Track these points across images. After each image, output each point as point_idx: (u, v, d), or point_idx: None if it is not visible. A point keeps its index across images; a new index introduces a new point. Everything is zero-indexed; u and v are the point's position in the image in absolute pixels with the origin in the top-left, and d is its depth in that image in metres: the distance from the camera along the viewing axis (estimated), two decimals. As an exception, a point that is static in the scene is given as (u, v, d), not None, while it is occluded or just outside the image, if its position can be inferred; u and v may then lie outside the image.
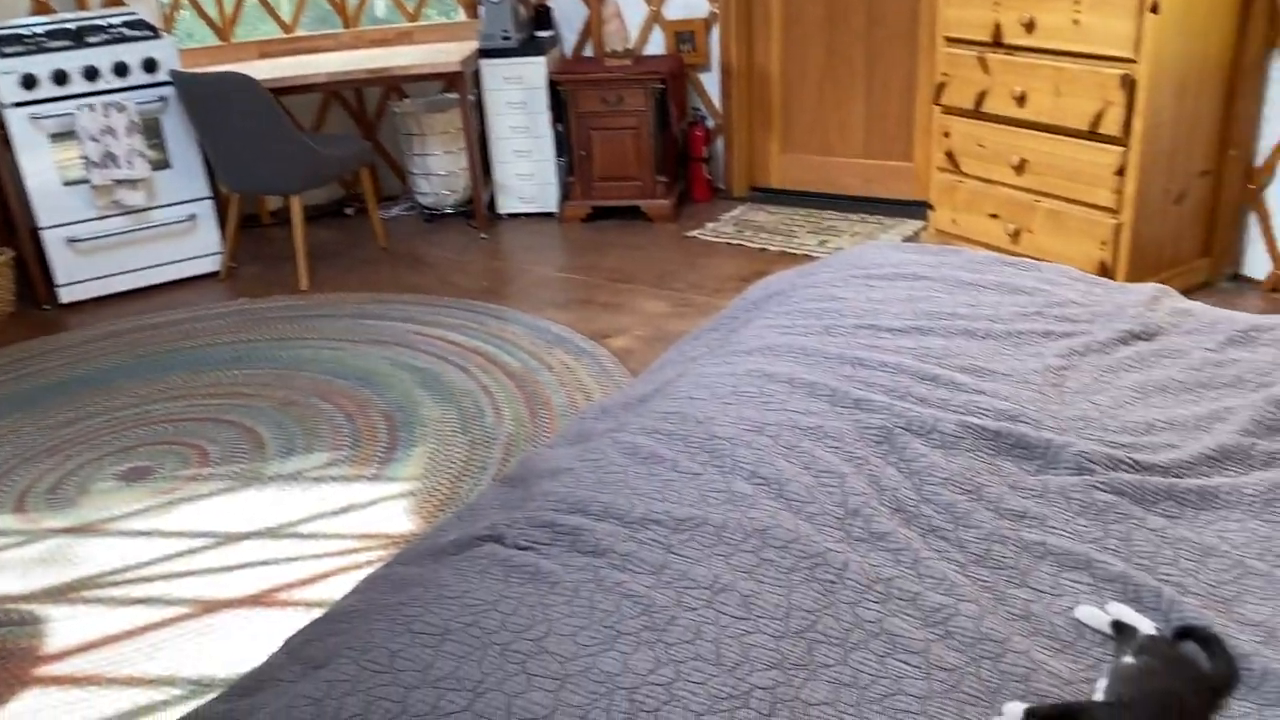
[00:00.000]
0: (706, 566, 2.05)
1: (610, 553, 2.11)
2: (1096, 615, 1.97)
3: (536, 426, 4.61)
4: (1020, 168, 5.40)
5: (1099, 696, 1.76)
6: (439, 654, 1.88)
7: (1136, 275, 5.00)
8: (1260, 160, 5.24)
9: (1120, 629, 1.93)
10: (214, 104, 6.08)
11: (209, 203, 6.70)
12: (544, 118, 7.33)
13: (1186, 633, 1.92)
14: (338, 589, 3.52)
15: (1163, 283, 3.72)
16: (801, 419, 2.54)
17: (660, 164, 7.21)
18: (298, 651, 2.06)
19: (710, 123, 7.67)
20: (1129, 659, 1.85)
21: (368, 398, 4.78)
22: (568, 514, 2.27)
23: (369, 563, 3.71)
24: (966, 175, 5.75)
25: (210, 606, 3.60)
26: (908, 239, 6.59)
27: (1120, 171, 4.95)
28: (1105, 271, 5.06)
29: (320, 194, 7.68)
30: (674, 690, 1.76)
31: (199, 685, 3.19)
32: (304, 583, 3.67)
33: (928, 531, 2.20)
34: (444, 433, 4.60)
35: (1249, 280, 5.44)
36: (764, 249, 6.69)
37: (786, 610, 1.95)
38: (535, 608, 1.97)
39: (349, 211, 7.59)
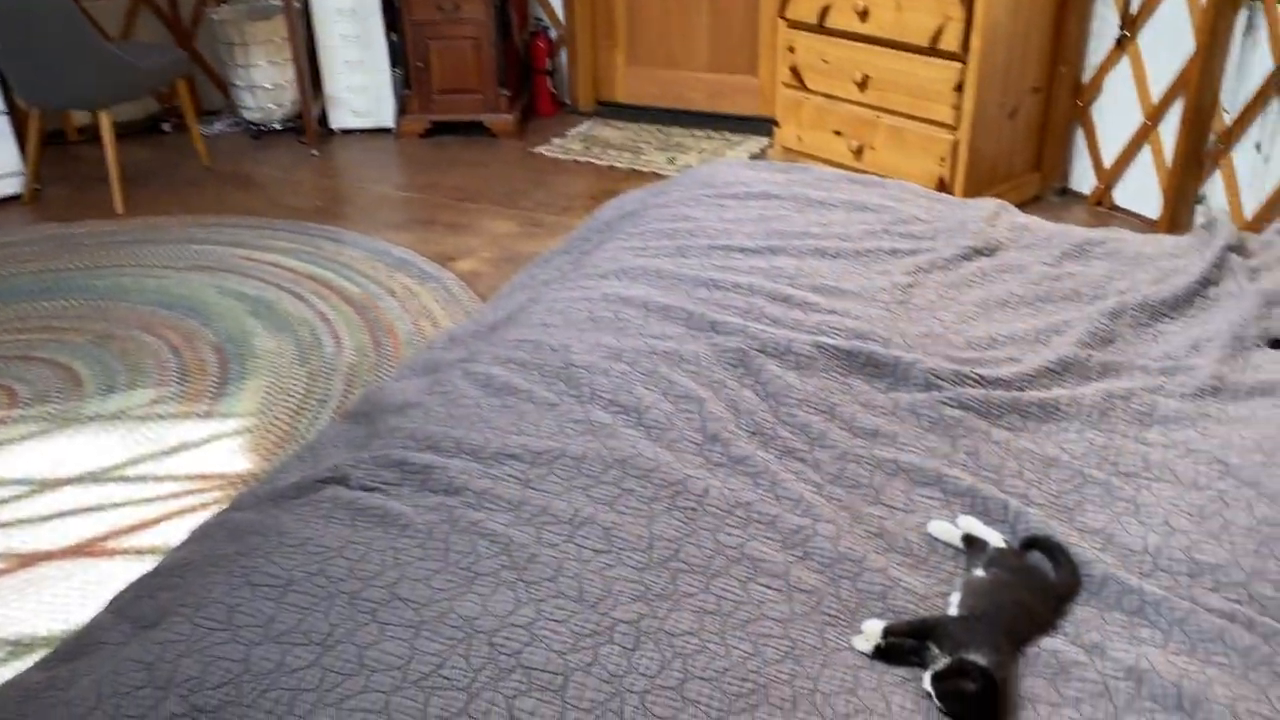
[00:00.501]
0: (566, 500, 1.99)
1: (465, 491, 2.02)
2: (948, 530, 2.02)
3: (380, 356, 4.42)
4: (863, 84, 5.44)
5: (953, 610, 1.80)
6: (282, 607, 1.76)
7: (972, 190, 5.15)
8: (1087, 77, 5.44)
9: (970, 542, 1.98)
10: (4, 7, 5.47)
11: (4, 118, 6.07)
12: (377, 26, 6.92)
13: (1032, 543, 1.99)
14: (170, 536, 3.31)
15: (997, 197, 3.82)
16: (658, 344, 2.49)
17: (502, 76, 6.94)
18: (126, 609, 1.90)
19: (553, 33, 7.43)
20: (980, 572, 1.90)
21: (195, 329, 4.47)
22: (417, 451, 2.16)
23: (203, 506, 3.50)
24: (811, 91, 5.76)
25: (27, 560, 3.33)
26: (754, 156, 6.60)
27: (959, 87, 5.04)
28: (943, 187, 5.19)
29: (133, 109, 7.07)
30: (536, 630, 1.70)
31: (17, 647, 2.96)
32: (132, 530, 3.44)
33: (785, 453, 2.20)
34: (280, 365, 4.36)
35: (1076, 194, 5.68)
36: (612, 166, 6.57)
37: (649, 541, 1.91)
38: (385, 552, 1.87)
39: (166, 128, 7.06)
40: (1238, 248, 3.01)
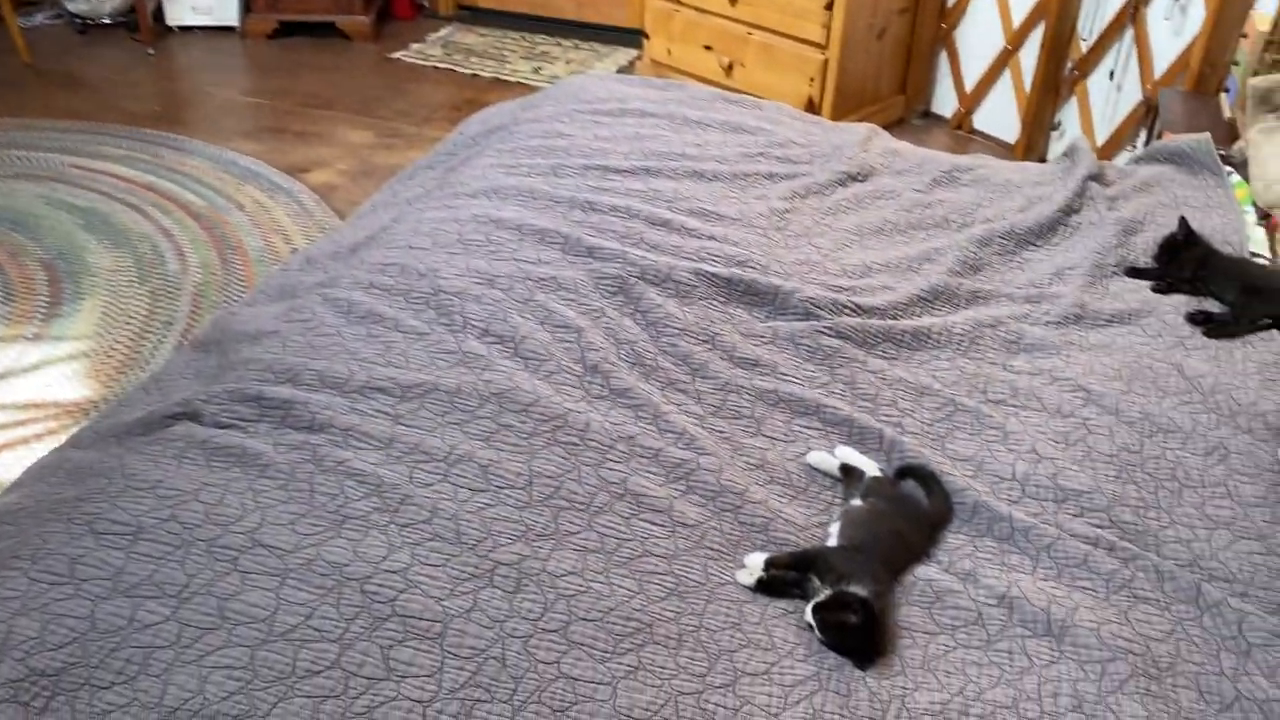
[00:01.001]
0: (440, 437, 1.90)
1: (329, 428, 1.90)
2: (826, 460, 2.02)
3: (229, 275, 4.16)
4: (735, -1, 5.34)
5: (833, 541, 1.81)
6: (131, 557, 1.63)
7: (841, 112, 5.16)
8: (952, 0, 5.47)
9: (848, 472, 1.99)
10: None
11: None
12: (217, -88, 6.39)
13: (906, 471, 2.01)
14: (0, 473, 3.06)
15: (863, 119, 3.84)
16: (534, 269, 2.39)
17: (357, -25, 6.54)
18: (-51, 563, 1.73)
19: (411, -69, 7.02)
20: (857, 501, 1.92)
21: (20, 244, 4.13)
22: (276, 384, 2.02)
23: (36, 438, 3.25)
24: (682, 4, 5.63)
25: None
26: (622, 69, 6.44)
27: (829, 5, 5.00)
28: (812, 107, 5.18)
29: (-65, -7, 6.36)
30: (411, 576, 1.62)
31: None
32: (-45, 465, 3.17)
33: (666, 385, 2.15)
34: (118, 283, 4.05)
35: (938, 118, 5.77)
36: (475, 75, 6.31)
37: (529, 478, 1.84)
38: (244, 495, 1.75)
39: (-24, 17, 6.32)
40: (1097, 176, 3.09)
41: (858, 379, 2.23)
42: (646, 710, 1.51)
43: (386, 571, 1.62)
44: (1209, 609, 1.73)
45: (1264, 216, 2.86)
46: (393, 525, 1.71)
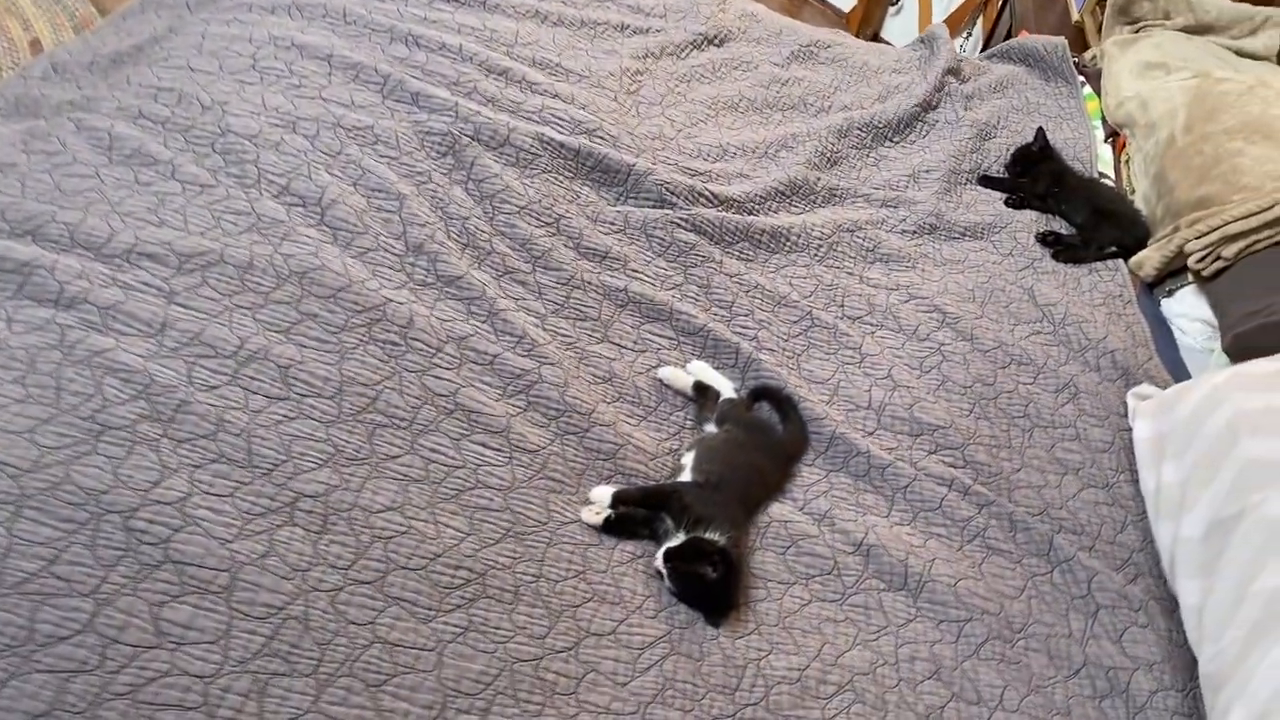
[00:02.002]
0: (228, 325, 1.55)
1: (82, 304, 1.51)
2: (679, 376, 1.82)
3: (-50, 59, 3.40)
4: None
5: (687, 474, 1.62)
6: None
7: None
8: None
9: (702, 391, 1.80)
10: None
11: None
12: None
13: (763, 394, 1.85)
14: None
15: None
16: (346, 115, 1.99)
17: None
18: None
19: None
20: (711, 428, 1.74)
21: None
22: (11, 238, 1.58)
23: None
24: None
25: None
26: None
27: None
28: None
29: None
30: (189, 510, 1.31)
31: None
32: None
33: (503, 274, 1.87)
34: None
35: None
36: None
37: (339, 385, 1.54)
38: (-35, 392, 1.36)
39: None
40: (955, 70, 2.95)
41: (713, 282, 2.02)
42: (477, 682, 1.30)
43: (158, 503, 1.30)
44: (1060, 564, 1.68)
45: (1112, 134, 2.82)
46: (165, 441, 1.37)
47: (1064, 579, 1.66)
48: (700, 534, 1.49)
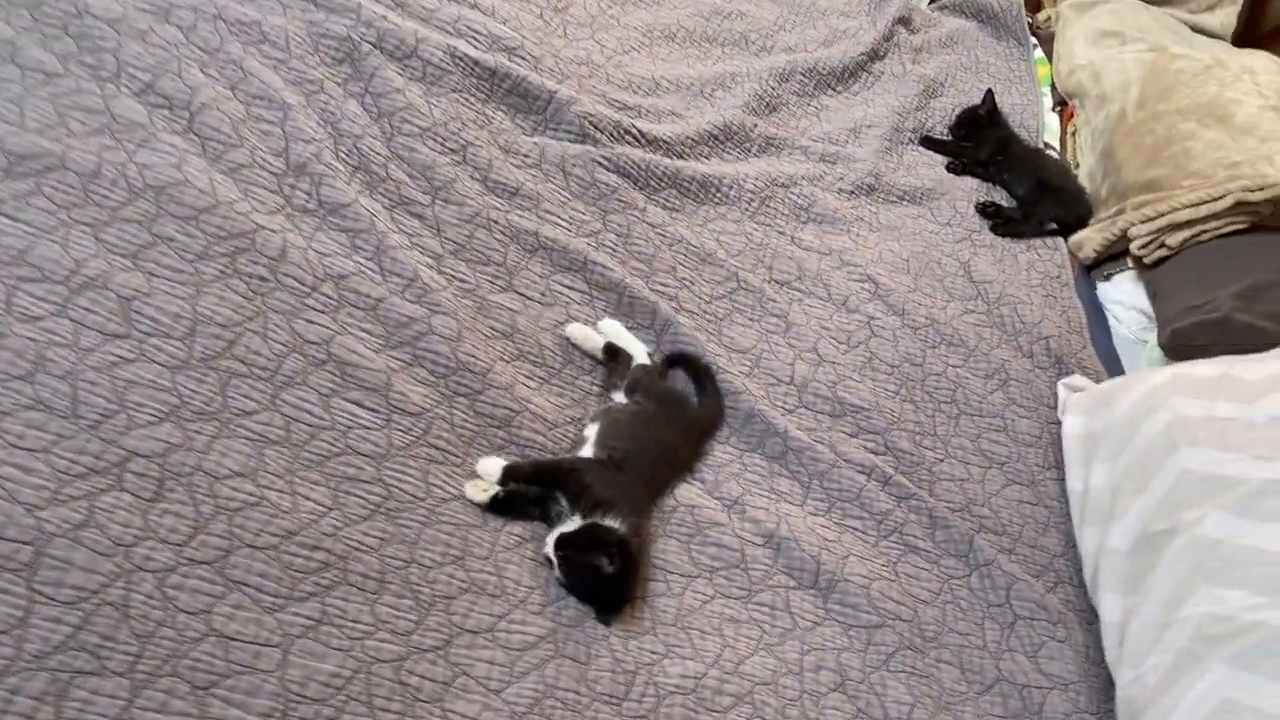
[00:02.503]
0: (61, 243, 1.31)
1: (-121, 206, 1.26)
2: (589, 336, 1.65)
3: None
4: None
5: (589, 448, 1.46)
6: None
7: None
8: None
9: (613, 354, 1.63)
10: None
11: None
12: None
13: (678, 361, 1.69)
14: None
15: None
16: (231, 6, 1.73)
17: None
18: None
19: None
20: (620, 398, 1.58)
21: None
22: None
23: None
24: None
25: None
26: None
27: None
28: None
29: None
30: (-8, 467, 1.10)
31: None
32: None
33: (397, 204, 1.65)
34: None
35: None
36: None
37: (191, 324, 1.32)
38: None
39: None
40: (905, 20, 2.78)
41: (634, 232, 1.84)
42: (327, 686, 1.12)
43: (-51, 457, 1.09)
44: (978, 568, 1.58)
45: (1060, 103, 2.70)
46: (-32, 381, 1.15)
47: (982, 584, 1.56)
48: (598, 519, 1.34)
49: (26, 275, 1.27)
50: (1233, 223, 2.04)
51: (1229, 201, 2.01)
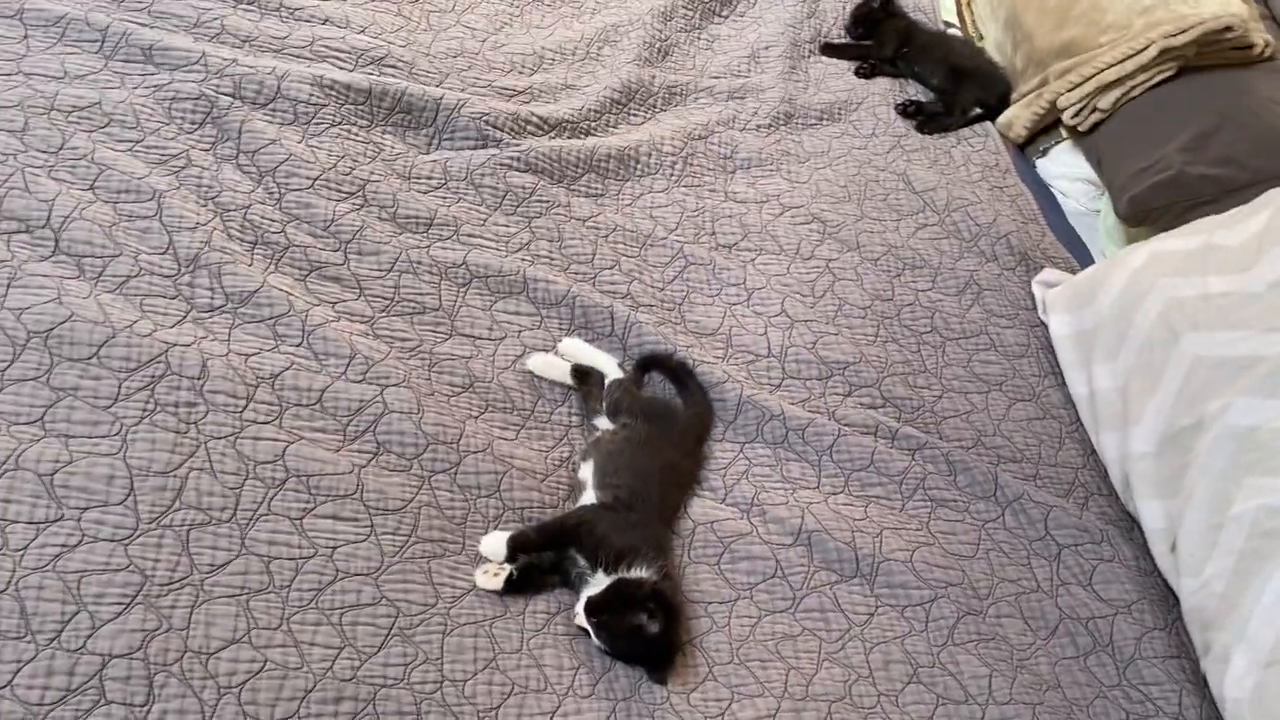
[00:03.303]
0: (-48, 435, 1.14)
1: None
2: (552, 364, 1.52)
3: None
4: None
5: (590, 491, 1.34)
6: None
7: None
8: None
9: (582, 376, 1.51)
10: None
11: None
12: None
13: (650, 364, 1.57)
14: None
15: None
16: (62, 91, 1.52)
17: None
18: None
19: None
20: (605, 423, 1.46)
21: None
22: None
23: None
24: None
25: None
26: None
27: None
28: None
29: None
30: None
31: None
32: None
33: (309, 272, 1.49)
34: None
35: None
36: None
37: (127, 483, 1.16)
38: None
39: None
40: (770, -78, 2.62)
41: (564, 232, 1.70)
42: None
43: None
44: (1009, 505, 1.52)
45: (949, -24, 2.59)
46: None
47: (1017, 520, 1.50)
48: (624, 573, 1.24)
49: (-79, 480, 1.09)
50: (1160, 72, 1.97)
51: (1153, 52, 1.94)
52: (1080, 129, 2.05)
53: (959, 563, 1.43)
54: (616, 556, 1.25)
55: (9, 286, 1.28)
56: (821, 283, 1.78)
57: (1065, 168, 2.12)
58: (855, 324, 1.72)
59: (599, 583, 1.24)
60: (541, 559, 1.29)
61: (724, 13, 2.35)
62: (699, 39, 2.27)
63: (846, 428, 1.55)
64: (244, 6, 1.82)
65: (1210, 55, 1.97)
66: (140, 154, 1.51)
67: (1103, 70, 2.00)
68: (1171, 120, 1.91)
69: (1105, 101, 2.00)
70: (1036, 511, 1.51)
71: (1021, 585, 1.43)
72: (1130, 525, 1.54)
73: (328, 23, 1.86)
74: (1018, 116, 2.16)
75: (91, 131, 1.50)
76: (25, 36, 1.61)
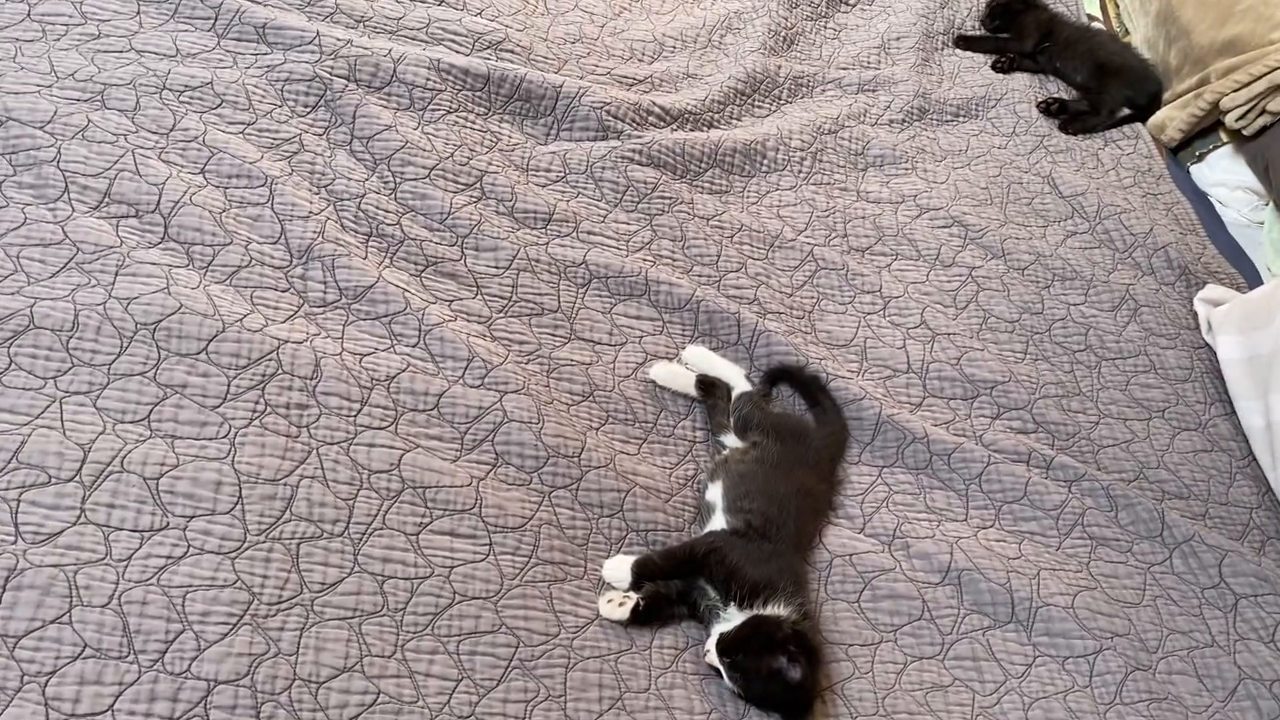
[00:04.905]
0: (54, 426, 1.07)
1: None
2: (676, 373, 1.41)
3: None
4: None
5: (719, 514, 1.24)
6: None
7: None
8: None
9: (708, 388, 1.40)
10: None
11: None
12: None
13: (780, 376, 1.46)
14: None
15: None
16: (174, 70, 1.46)
17: None
18: None
19: None
20: (733, 441, 1.35)
21: None
22: None
23: None
24: None
25: None
26: None
27: None
28: None
29: None
30: (50, 751, 0.88)
31: None
32: None
33: (425, 267, 1.40)
34: None
35: None
36: None
37: (236, 488, 1.09)
38: None
39: None
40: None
41: (688, 231, 1.59)
42: None
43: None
44: (1177, 547, 1.37)
45: (1092, -35, 2.42)
46: (-7, 643, 0.92)
47: (1187, 565, 1.36)
48: (759, 609, 1.13)
49: (26, 481, 1.03)
50: (1341, 72, 1.79)
51: (1336, 50, 1.76)
52: (1245, 133, 1.88)
53: (1124, 610, 1.29)
54: (751, 590, 1.14)
55: (117, 274, 1.21)
56: (964, 292, 1.64)
57: (1225, 174, 1.95)
58: (1002, 339, 1.59)
59: (732, 618, 1.14)
60: (668, 588, 1.18)
61: (852, 0, 2.22)
62: (826, 27, 2.14)
63: (996, 454, 1.42)
64: (359, -18, 1.74)
65: (1400, 55, 1.79)
66: (252, 137, 1.44)
67: (1275, 69, 1.82)
68: (1355, 125, 1.73)
69: (1277, 104, 1.82)
70: (1209, 556, 1.36)
71: (1194, 639, 1.29)
72: (1317, 575, 1.38)
73: (443, 3, 1.78)
74: (1172, 118, 2.00)
75: (203, 112, 1.44)
76: (138, 13, 1.55)
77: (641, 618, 1.16)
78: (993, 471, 1.39)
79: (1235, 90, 1.88)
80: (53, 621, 0.95)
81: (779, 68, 1.95)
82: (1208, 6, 2.00)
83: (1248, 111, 1.86)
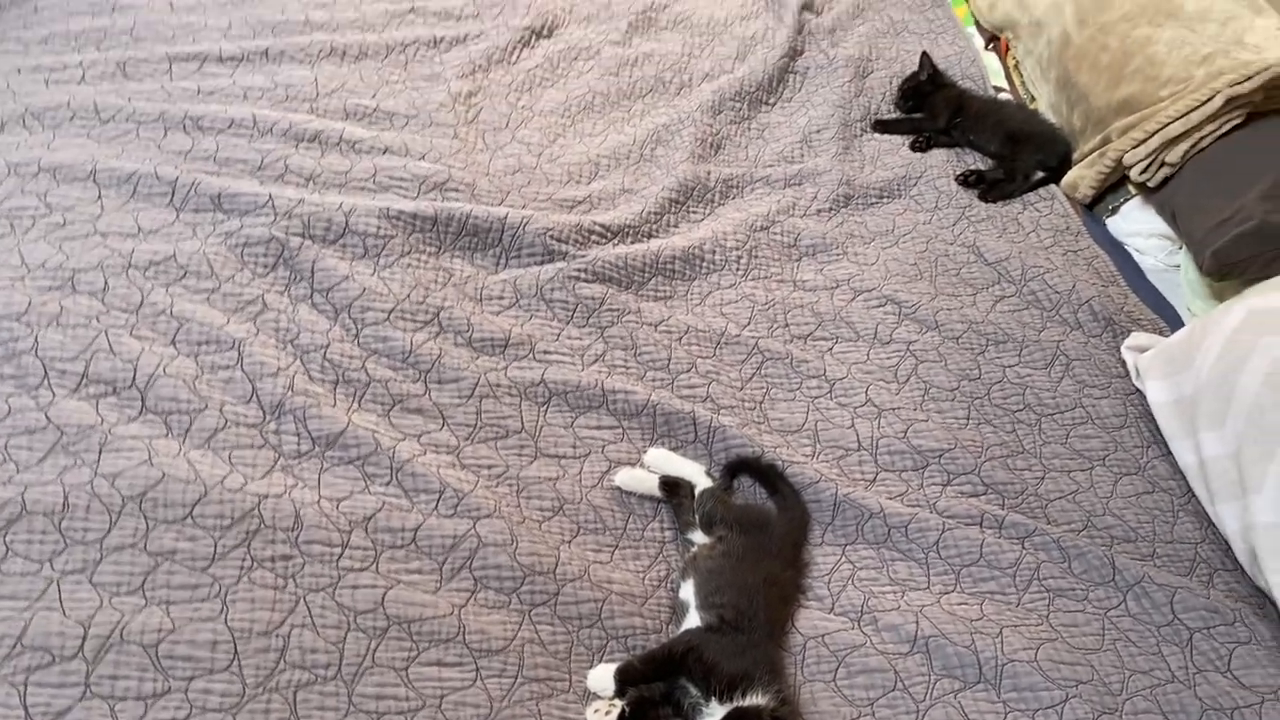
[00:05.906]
0: (54, 607, 1.13)
1: None
2: (639, 477, 1.49)
3: None
4: None
5: (693, 613, 1.30)
6: None
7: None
8: None
9: (671, 489, 1.48)
10: None
11: None
12: None
13: (739, 468, 1.54)
14: None
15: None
16: (137, 247, 1.56)
17: None
18: None
19: None
20: (700, 537, 1.42)
21: None
22: None
23: None
24: None
25: None
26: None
27: None
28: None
29: None
30: None
31: None
32: None
33: (391, 406, 1.48)
34: None
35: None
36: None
37: (231, 645, 1.15)
38: None
39: None
40: (807, 4, 2.64)
41: (638, 339, 1.69)
42: None
43: None
44: (1130, 590, 1.44)
45: (992, 39, 2.58)
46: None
47: (1140, 606, 1.43)
48: (739, 701, 1.18)
49: (32, 664, 1.09)
50: (1228, 120, 1.92)
51: (1219, 101, 1.89)
52: (1150, 185, 2.00)
53: (1086, 657, 1.36)
54: (729, 684, 1.20)
55: (101, 452, 1.29)
56: (904, 367, 1.74)
57: (1138, 224, 2.07)
58: (945, 407, 1.68)
59: (714, 713, 1.19)
60: (652, 690, 1.24)
61: (771, 100, 2.36)
62: (750, 128, 2.27)
63: (950, 520, 1.49)
64: (305, 145, 1.85)
65: (1279, 99, 1.92)
66: (217, 303, 1.53)
67: (1167, 124, 1.95)
68: (1247, 169, 1.85)
69: (1173, 155, 1.95)
70: (1160, 594, 1.43)
71: (1155, 676, 1.35)
72: (1263, 601, 1.45)
73: (388, 152, 1.89)
74: (1083, 177, 2.12)
75: (169, 285, 1.53)
76: (99, 197, 1.65)
77: (628, 723, 1.21)
78: (949, 537, 1.47)
79: (1134, 147, 2.01)
80: (67, 797, 1.00)
81: (709, 173, 2.07)
82: (1100, 70, 2.14)
83: (1149, 165, 1.99)
